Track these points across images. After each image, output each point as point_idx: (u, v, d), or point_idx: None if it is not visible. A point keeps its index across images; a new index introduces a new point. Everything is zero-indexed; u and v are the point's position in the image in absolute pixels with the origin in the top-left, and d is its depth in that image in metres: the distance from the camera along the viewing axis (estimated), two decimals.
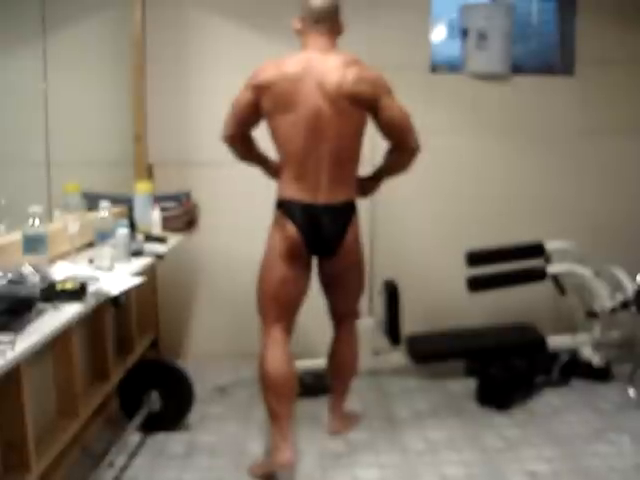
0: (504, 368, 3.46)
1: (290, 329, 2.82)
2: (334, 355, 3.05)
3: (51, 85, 3.51)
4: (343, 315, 3.01)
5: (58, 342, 2.46)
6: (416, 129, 2.76)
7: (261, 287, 2.81)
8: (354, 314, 3.06)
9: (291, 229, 2.69)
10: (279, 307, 2.77)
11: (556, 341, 3.75)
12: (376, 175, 2.96)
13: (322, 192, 2.69)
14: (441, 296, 4.06)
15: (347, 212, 2.76)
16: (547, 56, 4.37)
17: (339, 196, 2.72)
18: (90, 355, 3.01)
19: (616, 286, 3.65)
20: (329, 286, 2.92)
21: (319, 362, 3.42)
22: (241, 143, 2.83)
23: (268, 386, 2.73)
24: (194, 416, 3.20)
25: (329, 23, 2.73)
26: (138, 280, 2.39)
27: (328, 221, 2.70)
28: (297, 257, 2.72)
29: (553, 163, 4.15)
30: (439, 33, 4.33)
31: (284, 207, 2.73)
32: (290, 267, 2.73)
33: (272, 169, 2.91)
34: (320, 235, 2.70)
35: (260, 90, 2.66)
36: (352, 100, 2.63)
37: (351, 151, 2.74)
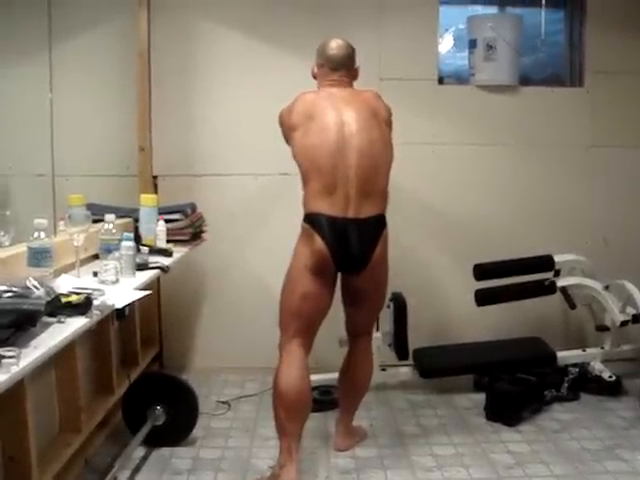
0: (513, 383, 3.42)
1: (309, 345, 2.79)
2: (347, 371, 3.02)
3: (57, 96, 3.50)
4: (361, 332, 2.98)
5: (62, 356, 2.44)
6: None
7: (284, 301, 2.78)
8: (371, 331, 3.05)
9: (319, 243, 2.65)
10: (300, 322, 2.73)
11: (566, 355, 3.72)
12: None
13: (351, 206, 2.66)
14: (449, 310, 4.03)
15: (377, 226, 2.73)
16: (555, 67, 4.37)
17: (369, 210, 2.69)
18: (94, 369, 2.99)
19: (626, 300, 3.62)
20: (352, 302, 2.88)
21: (327, 377, 3.39)
22: None
23: (280, 401, 2.70)
24: (199, 430, 3.17)
25: (345, 69, 2.85)
26: (143, 293, 2.36)
27: (357, 236, 2.66)
28: (323, 272, 2.69)
29: (562, 175, 4.12)
30: (446, 44, 4.32)
31: (312, 221, 2.69)
32: (315, 282, 2.70)
33: None
34: (348, 250, 2.67)
35: (290, 123, 2.75)
36: (377, 116, 2.74)
37: (380, 165, 2.74)
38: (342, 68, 2.84)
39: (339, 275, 2.79)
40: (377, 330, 3.79)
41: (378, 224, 2.73)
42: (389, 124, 2.83)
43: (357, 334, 2.98)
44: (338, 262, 2.68)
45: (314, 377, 3.39)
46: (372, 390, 3.60)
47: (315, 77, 2.92)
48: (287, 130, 2.79)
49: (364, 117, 2.71)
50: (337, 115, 2.69)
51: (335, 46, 2.85)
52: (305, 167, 2.72)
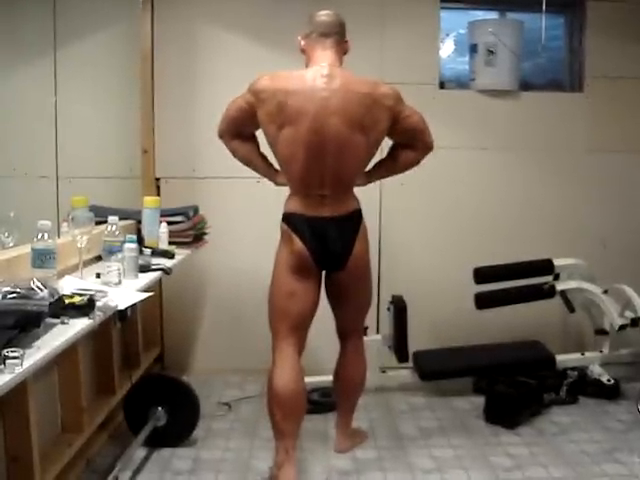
0: (512, 386, 3.43)
1: (301, 345, 2.78)
2: (340, 372, 3.02)
3: (61, 98, 3.52)
4: (350, 331, 2.98)
5: (64, 356, 2.45)
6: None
7: (271, 303, 2.79)
8: (360, 330, 3.03)
9: (298, 243, 2.67)
10: (289, 323, 2.73)
11: (565, 359, 3.73)
12: (375, 171, 2.90)
13: (326, 205, 2.68)
14: (449, 313, 4.04)
15: (353, 223, 2.74)
16: (555, 72, 4.39)
17: (344, 208, 2.71)
18: (96, 369, 3.01)
19: (625, 304, 3.63)
20: (337, 300, 2.89)
21: (326, 379, 3.40)
22: (232, 142, 2.84)
23: (275, 403, 2.70)
24: (199, 432, 3.18)
25: (335, 38, 2.73)
26: (145, 295, 2.38)
27: (335, 233, 2.68)
28: (305, 271, 2.70)
29: (561, 179, 4.15)
30: (447, 49, 4.34)
31: (289, 221, 2.72)
32: (299, 282, 2.71)
33: (273, 173, 2.86)
34: (327, 248, 2.68)
35: (258, 97, 2.64)
36: (357, 124, 2.60)
37: (355, 166, 2.72)
38: (331, 35, 2.71)
39: (324, 274, 2.80)
40: (377, 332, 3.83)
41: (354, 220, 2.74)
42: (393, 109, 2.68)
43: (346, 333, 2.97)
44: (318, 260, 2.69)
45: (314, 379, 3.42)
46: (372, 392, 3.63)
47: (303, 51, 2.78)
48: (263, 113, 2.65)
49: (345, 123, 2.58)
50: (315, 117, 2.57)
51: (325, 13, 2.75)
52: (281, 166, 2.75)
